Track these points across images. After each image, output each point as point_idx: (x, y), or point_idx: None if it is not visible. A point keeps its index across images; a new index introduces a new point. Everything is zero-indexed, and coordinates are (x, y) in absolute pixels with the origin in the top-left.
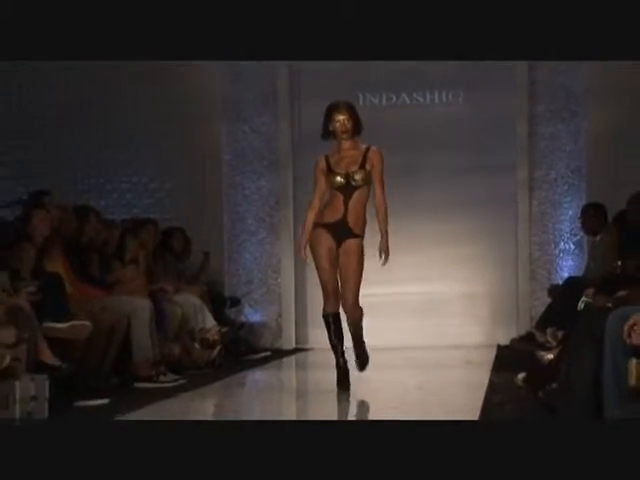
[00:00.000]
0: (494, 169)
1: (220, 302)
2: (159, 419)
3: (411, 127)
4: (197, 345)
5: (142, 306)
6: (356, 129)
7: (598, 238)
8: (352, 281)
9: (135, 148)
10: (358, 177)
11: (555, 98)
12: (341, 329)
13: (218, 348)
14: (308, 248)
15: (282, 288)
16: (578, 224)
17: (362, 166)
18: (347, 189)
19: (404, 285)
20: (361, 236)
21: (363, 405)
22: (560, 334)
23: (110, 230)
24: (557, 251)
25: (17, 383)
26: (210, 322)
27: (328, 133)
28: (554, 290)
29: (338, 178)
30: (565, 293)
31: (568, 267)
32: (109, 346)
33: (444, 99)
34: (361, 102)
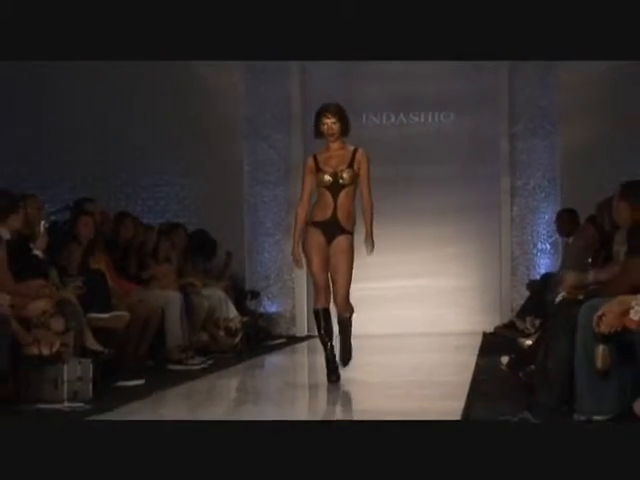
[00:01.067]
0: (480, 179)
1: (241, 295)
2: (191, 398)
3: (408, 143)
4: (222, 332)
5: (174, 299)
6: (343, 131)
7: (571, 239)
8: (343, 277)
9: (167, 162)
10: (346, 176)
11: (532, 118)
12: (331, 324)
13: (240, 335)
14: (300, 246)
15: (295, 283)
16: (553, 227)
17: (350, 165)
18: (335, 187)
19: (402, 280)
20: (351, 232)
21: (367, 382)
22: (538, 322)
23: (147, 233)
24: (535, 250)
25: (65, 366)
26: (233, 312)
27: (318, 133)
28: (532, 284)
29: (326, 176)
30: (542, 287)
31: (545, 264)
32: (145, 333)
33: (437, 119)
34: (364, 121)
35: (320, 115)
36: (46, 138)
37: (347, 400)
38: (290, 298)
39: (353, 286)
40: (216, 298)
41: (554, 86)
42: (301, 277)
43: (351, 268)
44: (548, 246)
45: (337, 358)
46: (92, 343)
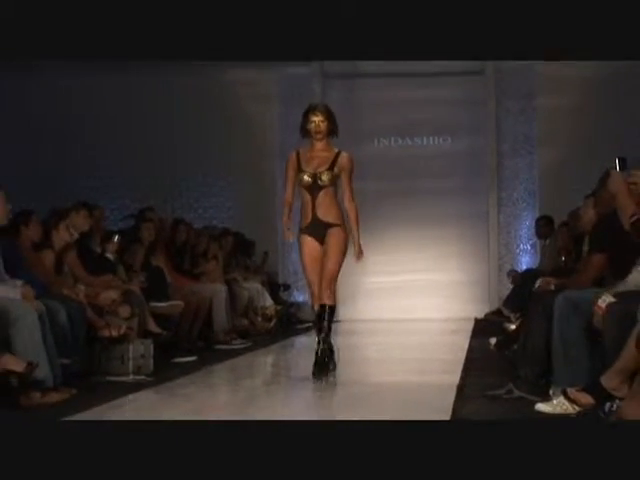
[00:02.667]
0: (472, 192)
1: (276, 287)
2: (234, 371)
3: (412, 162)
4: (259, 318)
5: (220, 290)
6: (330, 131)
7: (547, 241)
8: (328, 268)
9: (214, 177)
10: (325, 177)
11: (515, 142)
12: (331, 319)
13: (274, 320)
14: (291, 232)
15: None
16: (533, 231)
17: (330, 168)
18: (314, 188)
19: (408, 274)
20: (339, 225)
21: (378, 359)
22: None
23: (198, 236)
24: (518, 250)
25: (131, 345)
26: (268, 302)
27: (305, 132)
28: (515, 276)
29: (305, 177)
30: (523, 280)
31: (526, 262)
32: (196, 319)
33: (436, 142)
34: (376, 144)
35: (308, 113)
36: (111, 156)
37: (361, 373)
38: None
39: (368, 280)
40: (254, 290)
41: (532, 115)
42: None
43: (338, 259)
44: (529, 247)
45: (330, 358)
46: (153, 327)
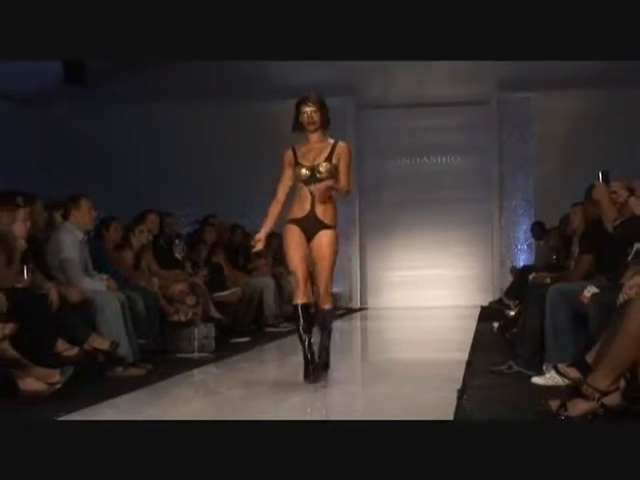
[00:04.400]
0: (478, 201)
1: (314, 281)
2: (281, 349)
3: (429, 176)
4: None
5: (269, 283)
6: (323, 122)
7: (541, 242)
8: (325, 271)
9: (263, 191)
10: (323, 169)
11: (514, 160)
12: (311, 320)
13: (313, 309)
14: (261, 242)
15: (352, 272)
16: (529, 234)
17: (328, 159)
18: (312, 181)
19: (425, 270)
20: (333, 227)
21: (398, 339)
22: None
23: (251, 239)
24: (516, 250)
25: (196, 329)
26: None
27: (297, 125)
28: (514, 270)
29: (304, 170)
30: (521, 274)
31: (523, 259)
32: (249, 307)
33: (448, 161)
34: (398, 162)
35: (300, 104)
36: (182, 172)
37: (388, 351)
38: (348, 282)
39: (392, 274)
40: None
41: (529, 140)
42: (355, 268)
43: (333, 263)
44: (525, 247)
45: (315, 357)
46: (214, 313)
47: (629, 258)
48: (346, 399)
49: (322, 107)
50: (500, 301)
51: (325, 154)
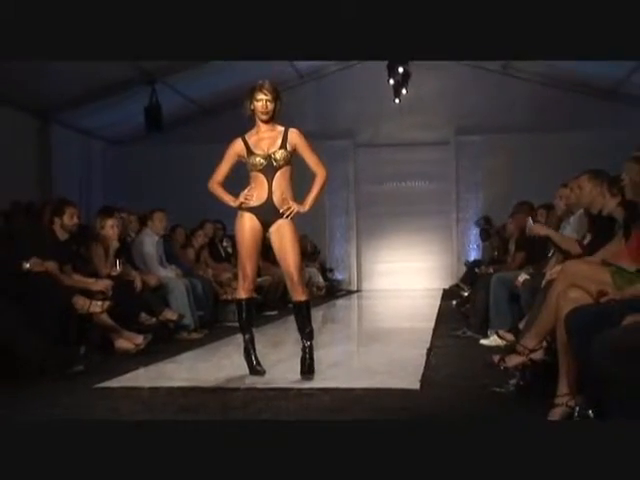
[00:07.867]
0: (441, 213)
1: (324, 270)
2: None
3: (408, 196)
4: (314, 289)
5: None
6: (275, 114)
7: (487, 243)
8: (293, 262)
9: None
10: (279, 157)
11: (468, 185)
12: (252, 314)
13: (324, 291)
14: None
15: (351, 263)
16: (478, 238)
17: (282, 146)
18: (269, 170)
19: (404, 263)
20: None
21: (381, 312)
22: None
23: None
24: (469, 249)
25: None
26: (320, 280)
27: (249, 111)
28: (467, 264)
29: (258, 159)
30: (471, 267)
31: (474, 255)
32: (277, 289)
33: (421, 184)
34: (384, 186)
35: (255, 91)
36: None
37: (377, 321)
38: (348, 272)
39: (380, 265)
40: (312, 272)
41: (479, 169)
42: (353, 260)
43: (299, 252)
44: (475, 247)
45: (256, 351)
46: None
47: (549, 254)
48: (346, 353)
49: (277, 97)
50: (457, 285)
51: (279, 142)
